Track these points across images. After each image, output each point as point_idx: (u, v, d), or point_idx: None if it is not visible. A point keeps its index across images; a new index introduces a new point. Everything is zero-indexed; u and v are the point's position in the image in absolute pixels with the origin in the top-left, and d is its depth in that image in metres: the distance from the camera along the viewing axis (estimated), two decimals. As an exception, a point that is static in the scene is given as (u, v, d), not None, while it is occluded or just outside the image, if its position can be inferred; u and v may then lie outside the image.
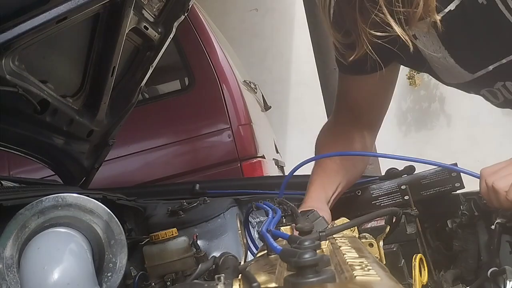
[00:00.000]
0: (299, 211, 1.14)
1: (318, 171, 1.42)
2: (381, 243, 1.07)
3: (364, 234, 1.09)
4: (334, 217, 1.27)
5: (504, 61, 1.19)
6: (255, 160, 2.99)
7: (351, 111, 1.48)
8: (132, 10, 1.40)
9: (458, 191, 1.44)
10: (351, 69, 1.38)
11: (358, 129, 1.48)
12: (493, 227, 1.16)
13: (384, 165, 1.78)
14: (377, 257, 1.03)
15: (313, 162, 1.43)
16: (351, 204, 1.51)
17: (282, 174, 3.74)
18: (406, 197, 1.45)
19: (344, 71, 1.43)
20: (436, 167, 1.47)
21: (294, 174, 1.42)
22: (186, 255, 1.30)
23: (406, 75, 5.42)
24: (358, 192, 1.52)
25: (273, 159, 3.57)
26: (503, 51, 1.18)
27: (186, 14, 1.69)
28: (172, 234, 1.31)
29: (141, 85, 1.71)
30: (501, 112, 5.49)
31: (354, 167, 1.46)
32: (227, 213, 1.55)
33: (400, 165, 1.54)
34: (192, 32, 3.03)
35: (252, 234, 1.58)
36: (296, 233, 0.97)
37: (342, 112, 1.51)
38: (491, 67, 1.22)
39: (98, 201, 1.16)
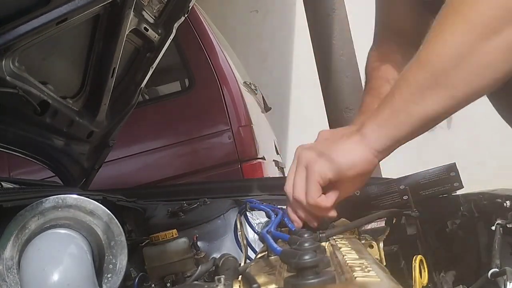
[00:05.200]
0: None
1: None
2: (381, 244, 1.07)
3: (364, 235, 1.09)
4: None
5: None
6: (255, 162, 2.99)
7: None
8: (132, 12, 1.40)
9: (458, 192, 1.44)
10: None
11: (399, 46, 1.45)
12: (493, 228, 1.15)
13: (385, 165, 1.78)
14: (377, 259, 1.03)
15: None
16: (350, 204, 1.51)
17: (282, 176, 3.73)
18: (405, 197, 1.45)
19: None
20: (435, 166, 1.48)
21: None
22: (186, 256, 1.30)
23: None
24: (357, 192, 1.52)
25: (274, 160, 3.57)
26: None
27: (186, 15, 1.69)
28: (172, 235, 1.31)
29: (141, 86, 1.72)
30: (501, 113, 5.47)
31: None
32: (227, 214, 1.55)
33: (402, 165, 1.54)
34: (192, 33, 3.03)
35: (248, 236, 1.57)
36: None
37: (381, 32, 1.50)
38: None
39: (98, 202, 1.16)
